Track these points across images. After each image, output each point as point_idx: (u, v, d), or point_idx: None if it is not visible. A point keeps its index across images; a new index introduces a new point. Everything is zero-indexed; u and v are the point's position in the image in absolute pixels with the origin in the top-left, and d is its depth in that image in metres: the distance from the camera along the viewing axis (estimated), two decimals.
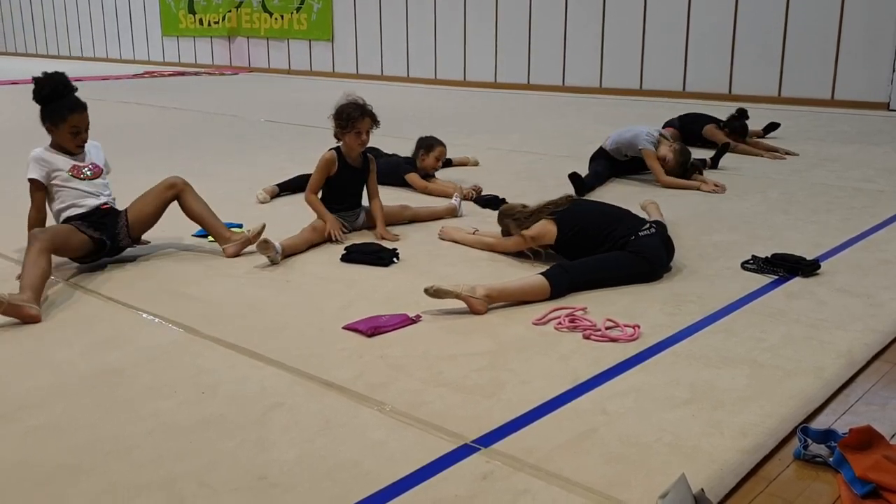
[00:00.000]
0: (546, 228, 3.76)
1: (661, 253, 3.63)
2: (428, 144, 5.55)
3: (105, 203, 3.84)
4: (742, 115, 7.19)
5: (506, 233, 3.98)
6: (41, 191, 3.77)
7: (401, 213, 4.57)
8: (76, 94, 3.84)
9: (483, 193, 5.21)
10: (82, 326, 3.12)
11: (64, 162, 3.79)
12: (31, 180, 3.75)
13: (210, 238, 4.13)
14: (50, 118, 3.76)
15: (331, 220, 4.13)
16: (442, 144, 5.58)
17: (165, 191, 3.93)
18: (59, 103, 3.75)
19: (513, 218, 3.92)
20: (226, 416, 2.39)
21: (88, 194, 3.80)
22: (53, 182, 3.76)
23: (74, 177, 3.79)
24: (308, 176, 5.57)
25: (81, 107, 3.80)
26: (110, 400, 2.51)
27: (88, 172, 3.85)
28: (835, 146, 7.37)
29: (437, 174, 5.67)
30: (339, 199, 4.31)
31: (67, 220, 3.75)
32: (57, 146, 3.82)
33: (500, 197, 5.09)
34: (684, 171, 5.64)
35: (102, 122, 9.04)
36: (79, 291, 3.50)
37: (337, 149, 4.31)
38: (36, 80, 3.77)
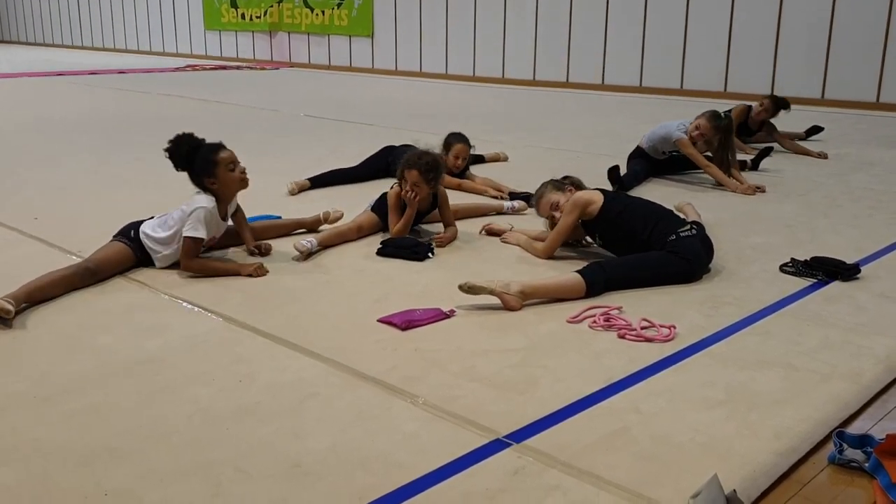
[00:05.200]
0: (594, 195, 3.76)
1: (701, 255, 3.61)
2: (447, 143, 5.37)
3: None
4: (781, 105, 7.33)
5: (544, 200, 3.95)
6: (198, 245, 3.59)
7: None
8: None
9: (518, 192, 5.20)
10: (123, 314, 3.18)
11: (215, 230, 3.69)
12: (195, 239, 3.55)
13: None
14: (204, 170, 3.60)
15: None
16: (461, 142, 5.37)
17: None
18: (200, 154, 3.60)
19: (553, 183, 3.97)
20: (262, 405, 2.43)
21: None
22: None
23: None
24: (341, 170, 5.65)
25: (221, 144, 3.67)
26: (150, 386, 2.56)
27: (210, 246, 3.78)
28: (878, 150, 7.26)
29: (473, 170, 5.64)
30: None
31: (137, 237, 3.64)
32: (220, 201, 3.66)
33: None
34: (725, 138, 5.53)
35: (145, 115, 9.20)
36: (120, 280, 3.56)
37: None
38: (170, 149, 3.61)
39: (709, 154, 5.66)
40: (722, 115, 5.57)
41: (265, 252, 3.89)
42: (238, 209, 3.91)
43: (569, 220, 3.79)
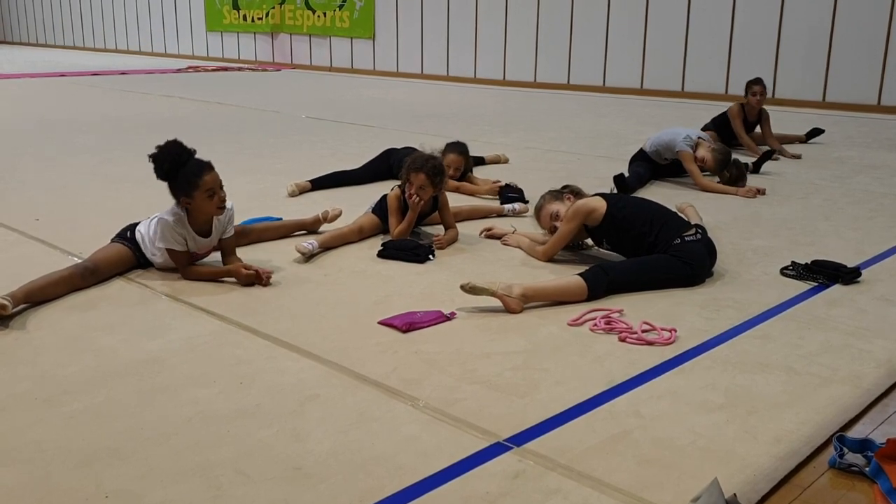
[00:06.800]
0: (597, 202, 3.75)
1: (704, 260, 3.60)
2: (444, 152, 5.33)
3: None
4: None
5: (544, 211, 3.97)
6: (181, 256, 3.55)
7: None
8: (196, 156, 3.50)
9: (511, 187, 5.18)
10: (124, 315, 3.18)
11: (191, 244, 3.57)
12: (176, 250, 3.51)
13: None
14: (183, 190, 3.45)
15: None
16: (454, 152, 5.36)
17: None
18: (184, 171, 3.44)
19: (551, 193, 3.99)
20: (262, 407, 2.43)
21: None
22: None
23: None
24: (342, 172, 5.66)
25: (209, 166, 3.49)
26: (150, 387, 2.56)
27: (199, 258, 3.68)
28: (879, 153, 7.25)
29: (475, 171, 5.65)
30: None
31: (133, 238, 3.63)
32: (194, 218, 3.54)
33: (525, 200, 5.04)
34: (730, 172, 5.56)
35: (147, 116, 9.21)
36: (120, 281, 3.56)
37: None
38: (154, 157, 3.44)
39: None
40: (735, 163, 5.59)
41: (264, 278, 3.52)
42: (231, 237, 3.70)
43: (570, 226, 3.79)
